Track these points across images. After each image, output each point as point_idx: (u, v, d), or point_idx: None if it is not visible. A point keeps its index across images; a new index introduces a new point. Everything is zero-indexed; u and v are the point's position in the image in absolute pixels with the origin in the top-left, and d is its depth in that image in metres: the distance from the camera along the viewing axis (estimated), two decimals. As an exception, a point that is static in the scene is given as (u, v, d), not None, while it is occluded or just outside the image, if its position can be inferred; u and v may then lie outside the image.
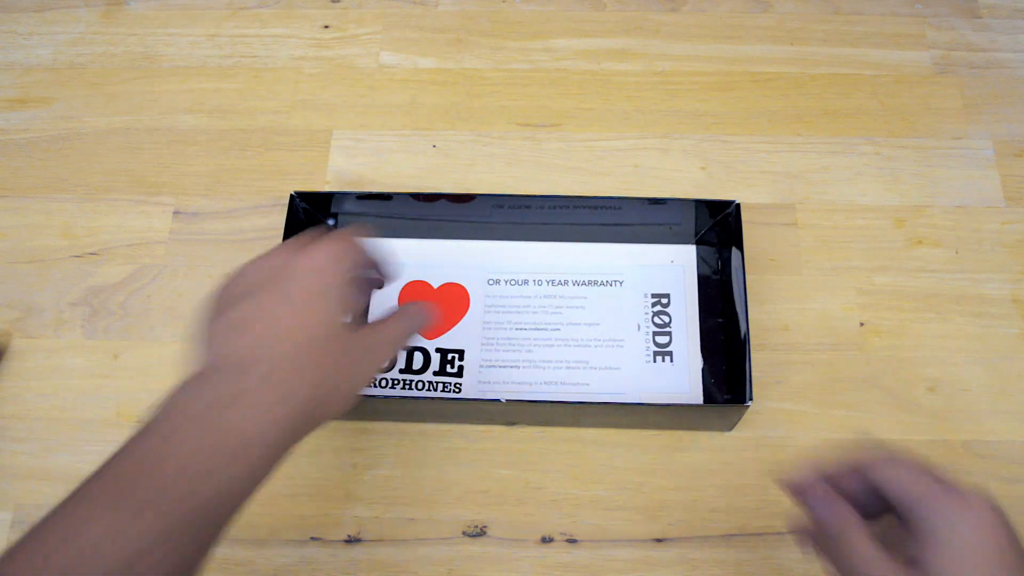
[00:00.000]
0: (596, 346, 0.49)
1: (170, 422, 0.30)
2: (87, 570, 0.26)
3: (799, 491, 0.34)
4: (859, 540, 0.31)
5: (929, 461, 0.32)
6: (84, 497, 0.29)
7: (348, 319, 0.35)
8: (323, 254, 0.35)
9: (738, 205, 0.48)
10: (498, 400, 0.45)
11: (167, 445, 0.29)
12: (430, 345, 0.50)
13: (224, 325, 0.33)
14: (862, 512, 0.32)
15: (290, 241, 0.37)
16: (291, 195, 0.49)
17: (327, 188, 0.55)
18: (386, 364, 0.38)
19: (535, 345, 0.50)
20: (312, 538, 0.46)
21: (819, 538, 0.33)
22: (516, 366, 0.49)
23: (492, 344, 0.50)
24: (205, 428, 0.30)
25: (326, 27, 0.62)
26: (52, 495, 0.46)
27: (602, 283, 0.51)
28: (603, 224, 0.51)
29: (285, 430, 0.32)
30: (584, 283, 0.51)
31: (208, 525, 0.30)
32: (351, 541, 0.46)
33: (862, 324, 0.51)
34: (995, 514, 0.30)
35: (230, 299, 0.34)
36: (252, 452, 0.31)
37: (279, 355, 0.32)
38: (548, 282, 0.51)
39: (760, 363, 0.49)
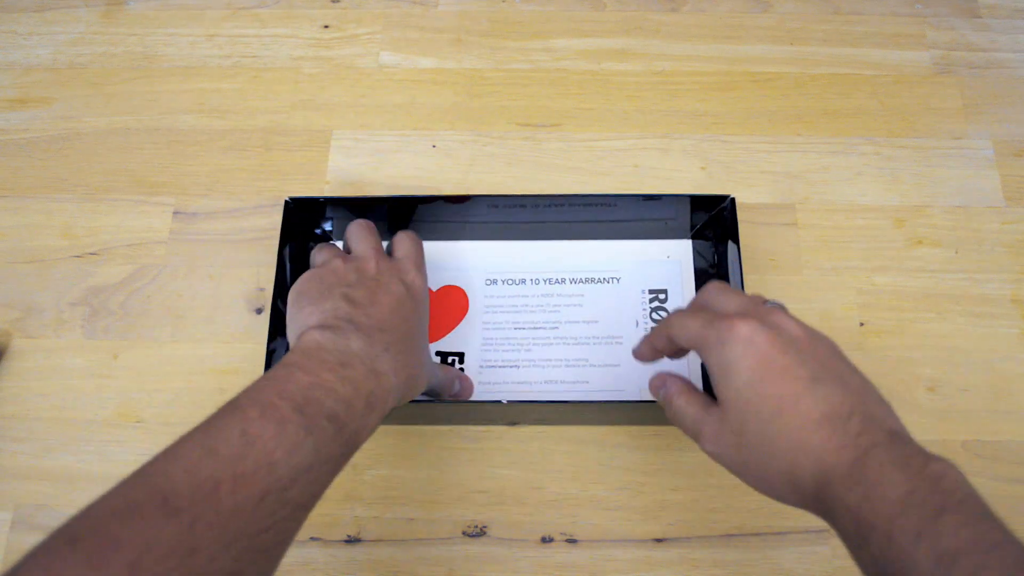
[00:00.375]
0: (595, 344, 0.49)
1: (316, 361, 0.33)
2: (265, 478, 0.28)
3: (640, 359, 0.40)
4: (680, 402, 0.35)
5: (719, 283, 0.36)
6: (256, 407, 0.30)
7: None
8: (414, 269, 0.41)
9: (733, 200, 0.48)
10: (499, 401, 0.45)
11: (331, 379, 0.32)
12: (431, 348, 0.50)
13: (339, 296, 0.37)
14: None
15: (364, 245, 0.42)
16: (285, 201, 0.48)
17: (327, 188, 0.55)
18: (424, 389, 0.42)
19: (534, 344, 0.50)
20: (312, 538, 0.46)
21: (662, 406, 0.37)
22: (516, 365, 0.49)
23: (491, 344, 0.50)
24: (364, 372, 0.33)
25: (326, 27, 0.62)
26: (52, 495, 0.47)
27: (599, 280, 0.51)
28: (598, 221, 0.51)
29: (400, 395, 0.36)
30: (581, 280, 0.51)
31: (346, 459, 0.32)
32: (351, 541, 0.46)
33: (862, 324, 0.51)
34: (753, 328, 0.30)
35: (337, 282, 0.38)
36: (387, 403, 0.35)
37: (396, 332, 0.37)
38: (545, 281, 0.51)
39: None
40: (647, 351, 0.39)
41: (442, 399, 0.46)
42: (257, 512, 0.27)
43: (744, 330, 0.31)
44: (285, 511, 0.28)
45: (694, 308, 0.36)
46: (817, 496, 0.29)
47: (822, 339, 0.33)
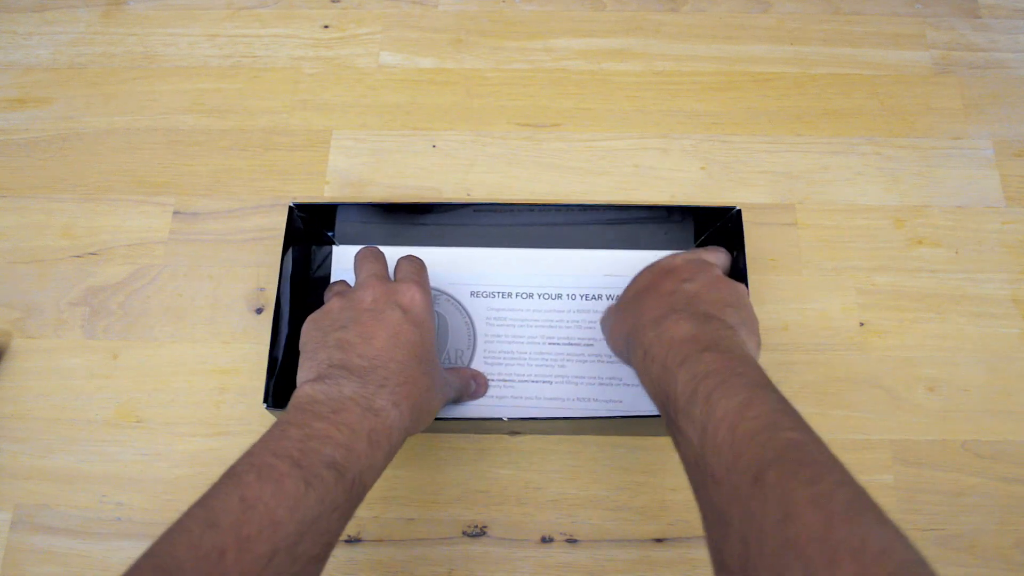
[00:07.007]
0: (596, 361, 0.49)
1: (308, 414, 0.33)
2: (270, 538, 0.28)
3: None
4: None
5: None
6: (252, 471, 0.30)
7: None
8: (413, 289, 0.40)
9: (739, 211, 0.47)
10: (500, 419, 0.44)
11: (326, 428, 0.33)
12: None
13: (332, 344, 0.37)
14: None
15: (363, 274, 0.42)
16: (290, 206, 0.48)
17: (327, 188, 0.55)
18: (441, 407, 0.42)
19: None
20: (312, 538, 0.46)
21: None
22: (521, 380, 0.49)
23: (493, 358, 0.49)
24: (360, 412, 0.34)
25: (326, 27, 0.62)
26: (52, 495, 0.47)
27: (603, 296, 0.51)
28: (600, 227, 0.50)
29: (404, 428, 0.36)
30: (583, 297, 0.51)
31: (354, 503, 0.33)
32: (351, 541, 0.46)
33: (862, 324, 0.51)
34: (654, 266, 0.42)
35: (331, 327, 0.39)
36: (392, 437, 0.35)
37: (393, 364, 0.37)
38: (544, 296, 0.51)
39: (760, 363, 0.49)
40: None
41: (462, 402, 0.47)
42: (267, 572, 0.28)
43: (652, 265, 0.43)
44: (297, 566, 0.29)
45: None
46: (629, 338, 0.39)
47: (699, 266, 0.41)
